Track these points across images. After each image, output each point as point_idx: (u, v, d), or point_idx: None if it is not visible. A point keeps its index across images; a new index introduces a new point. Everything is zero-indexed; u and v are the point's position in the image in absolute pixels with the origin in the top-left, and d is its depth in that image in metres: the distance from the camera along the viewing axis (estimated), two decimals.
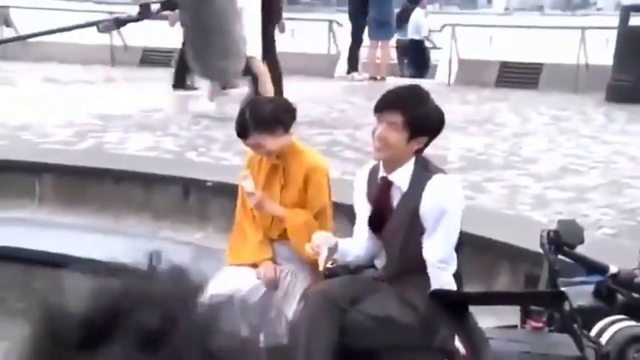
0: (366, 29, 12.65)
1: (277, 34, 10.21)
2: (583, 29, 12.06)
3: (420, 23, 14.67)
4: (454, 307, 2.02)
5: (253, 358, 0.69)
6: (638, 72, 10.21)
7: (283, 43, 13.59)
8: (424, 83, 13.01)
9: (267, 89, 8.84)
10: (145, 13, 2.96)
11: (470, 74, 12.38)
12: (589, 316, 2.31)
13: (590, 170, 6.73)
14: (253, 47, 7.56)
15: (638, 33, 10.47)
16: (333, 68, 13.12)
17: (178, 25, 4.96)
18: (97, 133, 8.02)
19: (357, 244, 3.36)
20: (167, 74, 11.84)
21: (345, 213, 3.89)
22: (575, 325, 2.11)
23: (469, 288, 3.45)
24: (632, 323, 2.29)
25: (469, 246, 4.12)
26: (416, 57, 14.91)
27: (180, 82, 10.72)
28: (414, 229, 3.13)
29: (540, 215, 5.26)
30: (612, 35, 11.08)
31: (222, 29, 2.70)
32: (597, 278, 2.66)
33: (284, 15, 11.20)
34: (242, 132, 3.64)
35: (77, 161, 6.74)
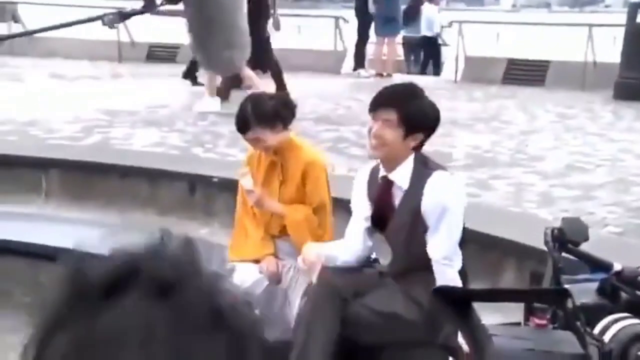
0: (372, 26, 12.65)
1: (273, 32, 10.16)
2: (590, 26, 12.03)
3: (433, 19, 14.63)
4: (457, 303, 2.03)
5: (255, 317, 0.74)
6: None
7: (289, 40, 13.62)
8: (430, 80, 13.03)
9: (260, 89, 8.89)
10: (149, 6, 2.97)
11: (477, 71, 12.37)
12: (593, 314, 2.32)
13: (597, 168, 6.72)
14: None
15: None
16: (339, 65, 13.12)
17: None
18: (103, 128, 8.04)
19: (347, 249, 3.36)
20: (173, 70, 11.86)
21: (350, 210, 3.89)
22: (579, 323, 2.11)
23: (474, 285, 3.45)
24: (636, 321, 2.29)
25: (475, 243, 4.12)
26: (430, 53, 14.87)
27: (190, 74, 10.73)
28: (417, 227, 3.13)
29: (546, 213, 5.26)
30: (620, 32, 11.05)
31: (224, 19, 2.71)
32: (601, 276, 2.66)
33: (290, 11, 11.23)
34: (243, 126, 3.67)
35: (83, 156, 6.76)
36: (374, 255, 3.53)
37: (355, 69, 12.81)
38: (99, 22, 3.09)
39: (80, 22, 3.23)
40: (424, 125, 3.17)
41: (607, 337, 2.22)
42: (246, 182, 3.71)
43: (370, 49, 13.10)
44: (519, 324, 2.67)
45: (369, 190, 3.31)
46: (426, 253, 3.14)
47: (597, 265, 2.74)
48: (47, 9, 14.42)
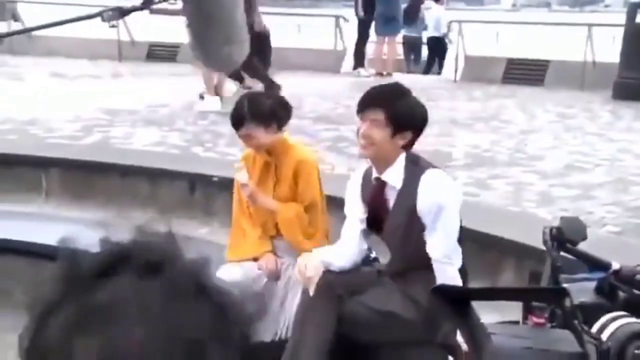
0: (372, 25, 12.66)
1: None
2: (590, 25, 12.04)
3: (441, 19, 14.61)
4: (456, 302, 2.04)
5: (237, 297, 0.82)
6: None
7: (289, 39, 13.62)
8: (430, 80, 13.05)
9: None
10: (148, 3, 2.98)
11: (477, 70, 12.38)
12: (591, 312, 2.33)
13: (596, 168, 6.73)
14: None
15: None
16: (339, 64, 13.13)
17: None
18: (103, 128, 8.05)
19: (342, 255, 3.36)
20: (173, 69, 11.88)
21: None
22: (577, 322, 2.13)
23: (474, 284, 3.46)
24: (633, 320, 2.30)
25: (474, 243, 4.13)
26: (437, 53, 14.88)
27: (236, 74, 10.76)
28: (413, 226, 3.14)
29: (545, 212, 5.27)
30: (619, 32, 11.06)
31: (223, 14, 2.72)
32: (599, 275, 2.67)
33: (291, 10, 11.22)
34: (238, 121, 3.69)
35: (83, 156, 6.77)
36: (374, 254, 3.54)
37: (355, 68, 12.82)
38: (100, 22, 3.09)
39: (79, 19, 3.23)
40: (412, 124, 3.19)
41: (604, 336, 2.23)
42: (241, 176, 3.74)
43: (370, 48, 13.12)
44: (517, 322, 2.68)
45: (363, 192, 3.33)
46: (424, 252, 3.15)
47: (595, 264, 2.75)
48: (47, 8, 14.42)
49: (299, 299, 3.42)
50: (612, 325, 2.27)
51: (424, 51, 15.55)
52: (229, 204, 4.06)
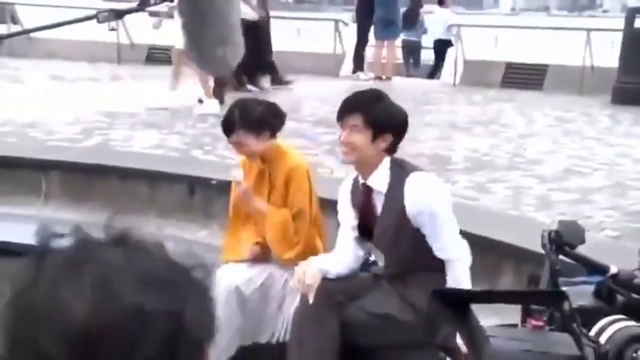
0: (372, 29, 12.68)
1: None
2: (589, 30, 12.06)
3: (449, 23, 14.59)
4: (455, 305, 2.06)
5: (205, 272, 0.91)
6: None
7: (289, 42, 13.62)
8: (429, 84, 13.06)
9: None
10: (144, 4, 2.99)
11: (476, 74, 12.40)
12: (589, 316, 2.34)
13: (595, 172, 6.75)
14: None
15: None
16: (339, 67, 13.14)
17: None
18: (103, 130, 8.06)
19: (338, 263, 3.38)
20: None
21: None
22: (575, 325, 2.14)
23: (473, 287, 3.47)
24: (631, 323, 2.31)
25: (473, 246, 4.13)
26: (443, 57, 14.87)
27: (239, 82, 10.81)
28: (403, 229, 3.16)
29: (544, 216, 5.28)
30: (618, 37, 11.09)
31: (218, 14, 2.74)
32: (597, 278, 2.68)
33: (291, 14, 11.23)
34: (228, 128, 3.66)
35: (83, 158, 6.78)
36: (372, 258, 3.56)
37: (354, 72, 12.84)
38: (100, 25, 3.10)
39: (74, 22, 3.25)
40: (390, 126, 3.23)
41: (603, 339, 2.24)
42: (237, 175, 3.75)
43: (369, 52, 13.13)
44: (516, 325, 2.69)
45: (353, 199, 3.35)
46: (418, 254, 3.18)
47: (593, 268, 2.76)
48: (47, 11, 14.43)
49: (297, 302, 3.42)
50: (610, 328, 2.28)
51: (424, 55, 15.58)
52: (228, 206, 4.07)
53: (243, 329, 3.64)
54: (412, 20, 14.75)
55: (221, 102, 9.30)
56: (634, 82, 10.35)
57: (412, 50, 15.24)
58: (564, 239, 2.70)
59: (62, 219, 6.02)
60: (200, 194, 6.11)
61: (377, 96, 3.30)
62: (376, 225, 3.27)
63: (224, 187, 5.73)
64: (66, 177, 6.56)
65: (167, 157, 6.97)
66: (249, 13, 10.62)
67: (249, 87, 10.91)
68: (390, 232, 3.21)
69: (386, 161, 3.24)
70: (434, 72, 14.85)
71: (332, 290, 3.25)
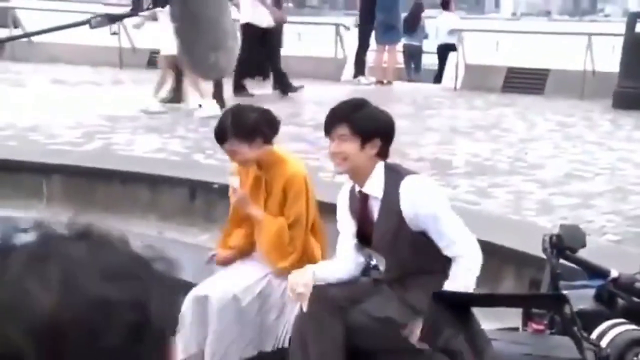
0: (373, 33, 12.69)
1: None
2: (590, 35, 12.07)
3: (454, 27, 14.58)
4: (456, 308, 2.06)
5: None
6: None
7: (290, 47, 13.63)
8: (430, 88, 13.06)
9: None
10: (137, 9, 3.00)
11: (477, 79, 12.41)
12: (590, 319, 2.34)
13: (596, 177, 6.75)
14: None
15: None
16: (340, 72, 13.15)
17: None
18: (104, 134, 8.07)
19: (339, 269, 3.38)
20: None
21: None
22: (576, 328, 2.14)
23: (473, 291, 3.47)
24: (632, 327, 2.32)
25: None
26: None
27: (239, 88, 10.83)
28: (401, 233, 3.17)
29: (545, 221, 5.28)
30: (619, 42, 11.09)
31: (210, 19, 2.74)
32: (598, 282, 2.69)
33: (292, 19, 11.25)
34: (220, 136, 3.63)
35: (84, 162, 6.79)
36: (374, 262, 3.56)
37: (355, 77, 12.84)
38: (102, 29, 3.12)
39: (67, 27, 3.25)
40: (377, 131, 3.25)
41: (604, 343, 2.25)
42: (234, 181, 3.73)
43: (370, 56, 13.14)
44: (517, 329, 2.69)
45: (351, 207, 3.37)
46: (417, 256, 3.18)
47: (594, 271, 2.76)
48: (46, 15, 14.46)
49: (297, 309, 3.42)
50: (611, 332, 2.29)
51: (425, 60, 15.57)
52: (229, 210, 4.08)
53: (242, 339, 3.62)
54: (413, 25, 14.75)
55: (222, 106, 9.33)
56: (635, 86, 10.35)
57: (413, 55, 15.24)
58: (565, 243, 2.71)
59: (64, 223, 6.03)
60: (202, 198, 6.11)
61: (360, 103, 3.34)
62: (374, 231, 3.28)
63: (225, 191, 5.74)
64: (67, 180, 6.57)
65: (169, 161, 6.98)
66: (264, 20, 10.65)
67: (252, 91, 10.92)
68: (389, 235, 3.22)
69: (380, 166, 3.26)
70: (439, 76, 14.83)
71: (336, 295, 3.25)
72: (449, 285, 3.06)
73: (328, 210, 4.00)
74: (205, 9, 2.76)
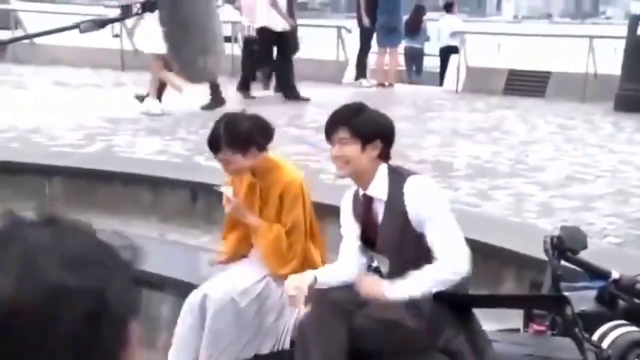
0: (374, 36, 12.70)
1: None
2: (591, 37, 12.07)
3: (457, 29, 14.58)
4: (457, 308, 2.06)
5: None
6: None
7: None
8: (432, 90, 13.06)
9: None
10: (126, 14, 3.02)
11: (478, 81, 12.41)
12: (591, 321, 2.34)
13: (597, 179, 6.75)
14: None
15: None
16: (341, 74, 13.16)
17: None
18: (106, 136, 8.08)
19: (342, 271, 3.38)
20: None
21: None
22: (577, 329, 2.14)
23: (473, 294, 3.47)
24: (633, 328, 2.32)
25: (475, 253, 4.13)
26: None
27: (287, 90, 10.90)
28: (406, 233, 3.17)
29: (546, 223, 5.28)
30: (621, 44, 11.09)
31: (199, 23, 2.75)
32: (599, 284, 2.69)
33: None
34: (214, 146, 3.58)
35: (86, 164, 6.79)
36: (375, 263, 3.56)
37: (357, 79, 12.86)
38: (104, 31, 3.13)
39: (57, 31, 3.27)
40: (378, 132, 3.26)
41: (605, 344, 2.25)
42: (227, 191, 3.70)
43: (372, 58, 13.15)
44: (518, 330, 2.69)
45: (355, 210, 3.37)
46: (421, 258, 3.17)
47: (595, 273, 2.76)
48: (51, 18, 14.47)
49: (298, 312, 3.41)
50: (612, 333, 2.29)
51: (426, 62, 15.57)
52: None
53: (239, 340, 3.62)
54: (414, 27, 14.76)
55: (220, 104, 9.44)
56: (636, 89, 10.35)
57: (414, 58, 15.24)
58: (566, 245, 2.71)
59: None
60: (203, 200, 6.11)
61: (359, 107, 3.36)
62: (378, 233, 3.28)
63: None
64: (69, 182, 6.58)
65: (170, 163, 6.98)
66: (279, 23, 10.68)
67: (253, 93, 10.94)
68: (393, 237, 3.22)
69: (383, 169, 3.26)
70: (442, 78, 14.82)
71: (341, 299, 3.24)
72: (403, 282, 3.02)
73: (330, 212, 4.01)
74: (193, 13, 2.77)
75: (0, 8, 16.19)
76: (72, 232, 0.94)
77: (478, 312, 2.73)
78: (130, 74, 13.07)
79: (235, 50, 13.04)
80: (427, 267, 3.08)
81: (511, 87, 12.30)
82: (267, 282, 3.69)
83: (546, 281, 2.68)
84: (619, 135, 9.07)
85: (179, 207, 6.18)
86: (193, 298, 3.64)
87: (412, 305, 3.20)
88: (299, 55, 11.88)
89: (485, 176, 6.71)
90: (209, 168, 6.85)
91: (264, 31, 10.72)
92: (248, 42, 12.26)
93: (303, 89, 11.16)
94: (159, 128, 8.61)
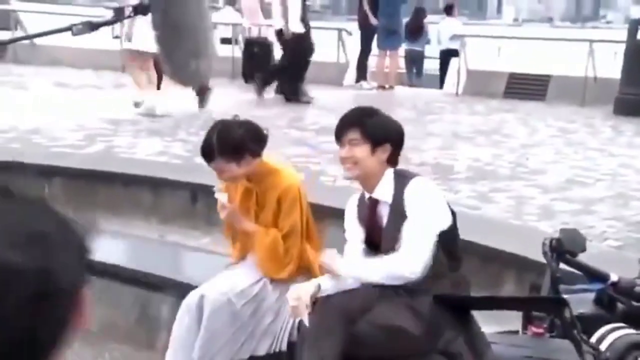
0: (375, 38, 12.72)
1: None
2: (592, 41, 12.09)
3: (458, 32, 14.59)
4: (457, 310, 2.07)
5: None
6: None
7: None
8: (432, 93, 13.07)
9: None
10: (118, 16, 3.02)
11: (479, 84, 12.42)
12: (590, 323, 2.35)
13: (597, 183, 6.75)
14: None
15: None
16: (342, 76, 13.18)
17: None
18: (106, 137, 8.08)
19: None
20: None
21: None
22: (576, 332, 2.15)
23: (474, 296, 3.47)
24: (632, 331, 2.32)
25: (475, 256, 4.15)
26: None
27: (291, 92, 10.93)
28: None
29: (547, 226, 5.29)
30: (621, 48, 11.11)
31: (191, 27, 2.76)
32: (598, 286, 2.69)
33: None
34: (207, 155, 3.57)
35: (86, 165, 6.79)
36: None
37: (357, 81, 12.87)
38: (104, 32, 3.14)
39: (50, 33, 3.28)
40: (388, 136, 3.27)
41: (603, 346, 2.25)
42: (222, 197, 3.69)
43: (372, 61, 13.16)
44: (517, 332, 2.70)
45: (360, 214, 3.37)
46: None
47: (594, 275, 2.77)
48: (52, 18, 14.49)
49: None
50: (611, 336, 2.29)
51: (426, 65, 15.59)
52: None
53: (235, 341, 3.61)
54: (415, 30, 14.77)
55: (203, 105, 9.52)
56: (636, 93, 10.36)
57: (415, 60, 15.26)
58: (564, 247, 2.72)
59: None
60: (203, 201, 6.11)
61: (371, 110, 3.38)
62: (383, 236, 3.28)
63: None
64: (69, 183, 6.58)
65: (170, 164, 6.99)
66: (294, 26, 10.69)
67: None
68: (397, 239, 3.22)
69: (389, 172, 3.27)
70: (442, 81, 14.83)
71: (347, 306, 3.23)
72: (359, 263, 3.14)
73: (330, 214, 4.02)
74: (185, 16, 2.77)
75: (0, 9, 16.21)
76: (21, 206, 0.93)
77: (477, 315, 2.73)
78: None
79: (235, 52, 13.07)
80: (386, 258, 3.10)
81: (511, 90, 12.31)
82: (263, 284, 3.68)
83: (545, 283, 2.68)
84: (618, 138, 9.08)
85: (179, 208, 6.19)
86: (190, 299, 3.64)
87: (415, 310, 3.20)
88: None
89: (486, 179, 6.72)
90: (209, 169, 6.84)
91: (281, 33, 10.78)
92: (249, 44, 12.29)
93: None
94: (159, 129, 8.62)
